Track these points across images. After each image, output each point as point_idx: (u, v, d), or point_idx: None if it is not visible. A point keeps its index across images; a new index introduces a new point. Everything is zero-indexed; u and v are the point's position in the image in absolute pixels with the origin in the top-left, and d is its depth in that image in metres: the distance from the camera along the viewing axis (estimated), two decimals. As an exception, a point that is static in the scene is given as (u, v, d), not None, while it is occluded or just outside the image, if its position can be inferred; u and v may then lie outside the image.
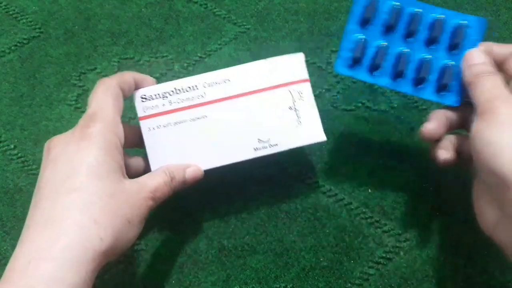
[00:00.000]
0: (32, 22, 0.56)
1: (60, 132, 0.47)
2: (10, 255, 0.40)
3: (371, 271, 0.39)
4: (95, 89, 0.35)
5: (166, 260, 0.40)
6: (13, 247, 0.40)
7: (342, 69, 0.38)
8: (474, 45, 0.37)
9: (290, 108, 0.38)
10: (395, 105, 0.48)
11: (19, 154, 0.46)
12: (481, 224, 0.34)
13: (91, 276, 0.29)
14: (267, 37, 0.54)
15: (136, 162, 0.38)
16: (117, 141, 0.33)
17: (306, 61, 0.52)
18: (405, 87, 0.37)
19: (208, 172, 0.41)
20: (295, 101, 0.38)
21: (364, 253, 0.40)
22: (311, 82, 0.39)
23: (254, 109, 0.38)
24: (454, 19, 0.37)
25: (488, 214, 0.33)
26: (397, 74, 0.37)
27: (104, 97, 0.34)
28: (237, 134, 0.38)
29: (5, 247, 0.41)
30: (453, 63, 0.37)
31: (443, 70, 0.37)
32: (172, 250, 0.41)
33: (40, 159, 0.45)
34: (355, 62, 0.37)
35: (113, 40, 0.54)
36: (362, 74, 0.38)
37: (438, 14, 0.37)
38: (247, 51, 0.53)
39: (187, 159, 0.37)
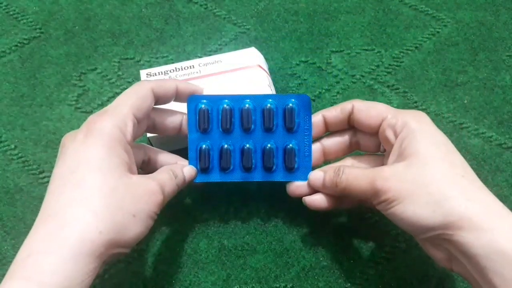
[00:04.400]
0: (33, 22, 0.56)
1: (60, 132, 0.47)
2: (10, 255, 0.41)
3: (371, 271, 0.40)
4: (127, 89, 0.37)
5: (166, 260, 0.40)
6: (13, 247, 0.41)
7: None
8: (306, 121, 0.38)
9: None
10: (395, 105, 0.48)
11: (19, 154, 0.46)
12: (438, 263, 0.34)
13: (91, 268, 0.29)
14: (267, 37, 0.54)
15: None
16: (122, 138, 0.33)
17: (306, 61, 0.53)
18: (257, 176, 0.39)
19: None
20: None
21: (364, 253, 0.40)
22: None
23: (240, 81, 0.45)
24: (282, 102, 0.38)
25: (441, 255, 0.33)
26: (247, 168, 0.39)
27: (127, 96, 0.35)
28: None
29: (5, 247, 0.41)
30: (292, 144, 0.39)
31: (286, 152, 0.38)
32: (172, 250, 0.41)
33: (41, 159, 0.46)
34: (205, 168, 0.39)
35: (113, 40, 0.54)
36: (215, 177, 0.39)
37: (265, 103, 0.38)
38: (247, 51, 0.53)
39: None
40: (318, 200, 0.38)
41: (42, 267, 0.28)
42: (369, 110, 0.37)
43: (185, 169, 0.37)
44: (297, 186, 0.39)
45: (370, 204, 0.35)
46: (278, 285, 0.39)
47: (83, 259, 0.28)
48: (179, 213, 0.43)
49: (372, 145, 0.39)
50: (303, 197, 0.38)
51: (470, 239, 0.29)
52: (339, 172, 0.35)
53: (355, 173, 0.35)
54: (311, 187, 0.38)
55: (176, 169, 0.37)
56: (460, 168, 0.32)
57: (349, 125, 0.39)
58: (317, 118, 0.39)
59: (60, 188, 0.31)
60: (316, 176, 0.37)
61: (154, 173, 0.35)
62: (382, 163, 0.38)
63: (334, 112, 0.38)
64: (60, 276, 0.28)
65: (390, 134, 0.35)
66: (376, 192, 0.33)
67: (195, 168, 0.38)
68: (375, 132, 0.37)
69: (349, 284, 0.39)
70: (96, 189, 0.30)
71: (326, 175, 0.36)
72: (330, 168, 0.37)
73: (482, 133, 0.47)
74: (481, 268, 0.29)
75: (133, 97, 0.35)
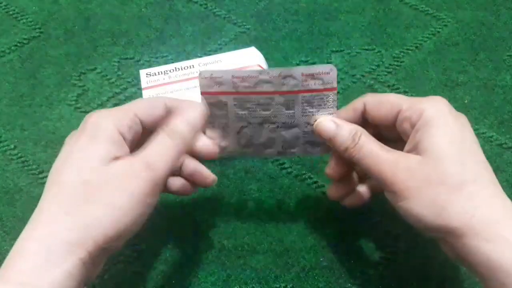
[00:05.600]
0: (32, 22, 0.56)
1: (60, 132, 0.47)
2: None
3: (371, 271, 0.39)
4: None
5: (166, 260, 0.40)
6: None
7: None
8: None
9: None
10: (395, 105, 0.48)
11: (19, 154, 0.46)
12: (450, 258, 0.33)
13: (66, 269, 0.28)
14: (267, 37, 0.54)
15: None
16: (112, 128, 0.32)
17: (306, 61, 0.53)
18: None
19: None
20: None
21: (364, 253, 0.40)
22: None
23: None
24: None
25: (451, 253, 0.32)
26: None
27: (137, 100, 0.35)
28: None
29: (5, 247, 0.41)
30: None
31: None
32: (172, 250, 0.41)
33: (40, 159, 0.45)
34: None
35: (113, 40, 0.54)
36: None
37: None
38: (247, 51, 0.53)
39: None
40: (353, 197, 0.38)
41: (19, 268, 0.28)
42: (381, 105, 0.35)
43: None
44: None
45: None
46: (278, 285, 0.39)
47: (56, 259, 0.28)
48: (179, 213, 0.42)
49: (391, 136, 0.37)
50: (342, 201, 0.38)
51: (470, 247, 0.29)
52: (355, 138, 0.33)
53: (375, 152, 0.33)
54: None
55: (175, 127, 0.34)
56: (472, 172, 0.31)
57: (364, 120, 0.36)
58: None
59: (46, 188, 0.31)
60: (326, 126, 0.35)
61: (142, 146, 0.33)
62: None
63: (346, 114, 0.36)
64: (36, 277, 0.27)
65: (407, 126, 0.34)
66: (387, 183, 0.32)
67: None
68: (392, 126, 0.35)
69: (349, 285, 0.39)
70: (70, 187, 0.30)
71: (340, 132, 0.34)
72: (345, 126, 0.34)
73: (483, 133, 0.47)
74: (482, 276, 0.29)
75: (140, 100, 0.35)
